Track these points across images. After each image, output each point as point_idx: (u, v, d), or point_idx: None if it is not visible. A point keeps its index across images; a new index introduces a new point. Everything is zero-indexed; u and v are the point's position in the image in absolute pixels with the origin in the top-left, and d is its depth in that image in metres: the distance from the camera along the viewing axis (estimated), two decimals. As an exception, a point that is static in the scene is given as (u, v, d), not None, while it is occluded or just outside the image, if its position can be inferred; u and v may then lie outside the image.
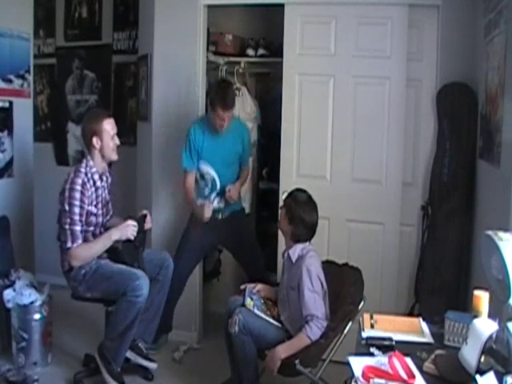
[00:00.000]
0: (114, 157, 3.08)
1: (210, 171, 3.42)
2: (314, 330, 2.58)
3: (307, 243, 2.80)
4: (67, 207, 2.90)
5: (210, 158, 3.40)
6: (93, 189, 3.01)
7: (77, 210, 2.91)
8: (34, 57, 4.14)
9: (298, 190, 2.85)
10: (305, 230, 2.76)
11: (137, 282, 2.87)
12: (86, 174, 2.98)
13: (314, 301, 2.63)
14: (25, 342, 3.22)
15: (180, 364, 3.45)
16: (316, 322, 2.60)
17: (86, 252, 2.95)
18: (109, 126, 3.03)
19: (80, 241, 2.93)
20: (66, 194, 2.91)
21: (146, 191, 3.86)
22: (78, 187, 2.91)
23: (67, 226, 2.91)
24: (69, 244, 2.91)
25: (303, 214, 2.73)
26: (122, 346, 2.97)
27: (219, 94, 3.25)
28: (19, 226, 3.85)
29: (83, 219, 2.95)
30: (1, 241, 3.59)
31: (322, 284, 2.70)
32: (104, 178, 3.12)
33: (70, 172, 3.00)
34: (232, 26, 4.22)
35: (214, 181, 3.43)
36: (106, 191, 3.15)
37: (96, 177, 3.03)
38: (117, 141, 3.06)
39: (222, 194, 3.42)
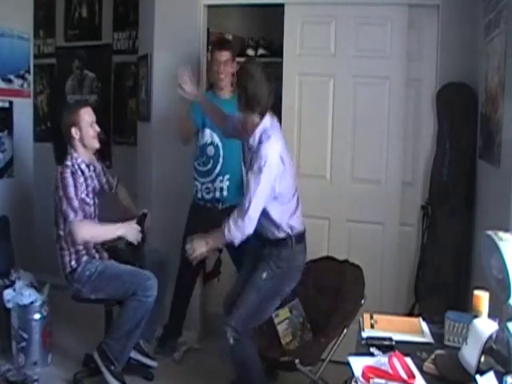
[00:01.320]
0: (96, 145, 3.11)
1: (214, 137, 3.38)
2: (232, 232, 2.55)
3: (266, 119, 2.64)
4: (61, 192, 2.92)
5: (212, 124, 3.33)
6: (81, 179, 3.01)
7: (72, 189, 2.92)
8: (34, 57, 4.15)
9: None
10: (267, 97, 2.59)
11: (148, 282, 2.89)
12: (72, 166, 3.01)
13: (255, 188, 2.51)
14: (25, 342, 3.22)
15: (180, 364, 3.45)
16: (241, 219, 2.53)
17: (90, 227, 2.95)
18: (86, 114, 3.07)
19: (81, 214, 2.92)
20: (59, 183, 2.93)
21: (146, 191, 3.86)
22: (69, 175, 2.95)
23: (65, 206, 2.90)
24: (71, 216, 2.89)
25: (251, 79, 2.56)
26: (128, 345, 2.97)
27: (216, 39, 3.35)
28: (19, 226, 3.85)
29: (78, 204, 2.93)
30: (1, 241, 3.60)
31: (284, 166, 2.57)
32: (92, 168, 3.13)
33: (57, 168, 3.03)
34: (232, 25, 4.22)
35: (217, 151, 3.38)
36: (96, 181, 3.14)
37: (83, 166, 3.06)
38: (96, 128, 3.08)
39: (225, 173, 3.39)
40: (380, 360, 1.88)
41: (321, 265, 3.02)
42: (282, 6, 3.45)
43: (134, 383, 3.16)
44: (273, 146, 2.58)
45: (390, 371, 1.79)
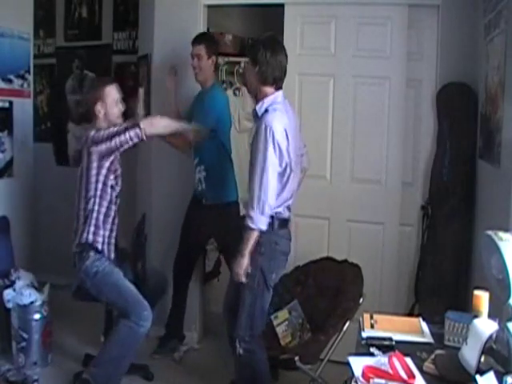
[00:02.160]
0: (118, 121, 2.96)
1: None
2: (255, 219, 2.47)
3: (278, 94, 2.63)
4: (106, 135, 2.77)
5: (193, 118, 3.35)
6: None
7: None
8: (34, 57, 4.14)
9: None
10: (270, 68, 2.56)
11: (144, 312, 2.76)
12: None
13: (261, 175, 2.45)
14: (25, 342, 3.22)
15: (180, 364, 3.45)
16: (257, 207, 2.45)
17: (156, 120, 2.84)
18: (113, 91, 2.93)
19: None
20: (99, 138, 2.78)
21: (146, 191, 3.86)
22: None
23: (122, 130, 2.78)
24: (136, 128, 2.77)
25: (267, 51, 2.54)
26: (113, 376, 2.80)
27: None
28: (19, 225, 3.85)
29: None
30: (1, 241, 3.59)
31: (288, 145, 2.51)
32: None
33: (88, 134, 2.83)
34: (232, 26, 4.22)
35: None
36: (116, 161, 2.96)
37: None
38: (122, 106, 2.96)
39: (201, 163, 3.37)
40: (380, 360, 1.88)
41: (320, 265, 3.03)
42: (281, 6, 3.45)
43: (134, 383, 3.17)
44: (277, 117, 2.54)
45: (390, 371, 1.79)
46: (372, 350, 1.99)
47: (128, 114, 4.47)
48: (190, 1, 3.61)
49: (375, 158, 3.37)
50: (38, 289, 3.35)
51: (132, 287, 2.85)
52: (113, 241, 2.96)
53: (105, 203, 2.88)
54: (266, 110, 2.57)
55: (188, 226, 3.51)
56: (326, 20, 3.40)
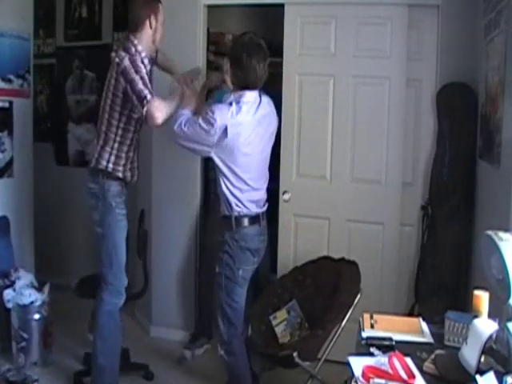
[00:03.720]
0: (159, 45, 2.93)
1: None
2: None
3: (250, 96, 2.64)
4: (133, 74, 2.65)
5: None
6: (144, 70, 2.75)
7: (144, 70, 2.71)
8: (34, 57, 4.14)
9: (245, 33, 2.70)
10: (245, 71, 2.59)
11: (120, 289, 2.87)
12: (138, 54, 2.75)
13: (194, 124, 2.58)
14: (25, 342, 3.23)
15: (180, 364, 3.45)
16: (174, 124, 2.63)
17: (163, 106, 2.67)
18: (162, 10, 2.87)
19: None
20: (127, 68, 2.67)
21: (146, 191, 3.86)
22: (139, 61, 2.71)
23: (141, 85, 2.64)
24: (148, 96, 2.62)
25: (244, 54, 2.57)
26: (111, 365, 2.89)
27: None
28: (19, 226, 3.85)
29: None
30: (1, 241, 3.59)
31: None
32: (148, 68, 2.87)
33: (119, 55, 2.73)
34: (232, 25, 4.22)
35: None
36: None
37: (146, 61, 2.82)
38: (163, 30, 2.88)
39: None
40: (380, 360, 1.88)
41: (318, 265, 3.04)
42: (282, 6, 3.45)
43: (134, 383, 3.17)
44: (227, 113, 2.56)
45: (390, 371, 1.79)
46: (372, 350, 1.99)
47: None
48: (190, 1, 3.61)
49: (375, 158, 3.37)
50: (38, 289, 3.35)
51: (124, 257, 2.90)
52: (135, 164, 2.93)
53: (128, 134, 2.84)
54: (230, 103, 2.61)
55: (206, 227, 3.56)
56: (326, 20, 3.40)
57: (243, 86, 2.63)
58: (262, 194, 2.78)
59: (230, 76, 2.72)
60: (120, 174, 2.85)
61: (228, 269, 2.69)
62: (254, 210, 2.72)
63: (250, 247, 2.71)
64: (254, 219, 2.72)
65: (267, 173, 2.83)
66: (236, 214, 2.67)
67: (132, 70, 2.68)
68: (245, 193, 2.68)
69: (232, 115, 2.57)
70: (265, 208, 2.79)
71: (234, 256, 2.69)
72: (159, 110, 2.64)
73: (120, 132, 2.81)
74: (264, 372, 2.86)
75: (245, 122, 2.61)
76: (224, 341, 2.71)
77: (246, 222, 2.69)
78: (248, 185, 2.68)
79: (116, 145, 2.82)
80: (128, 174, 2.89)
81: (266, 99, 2.75)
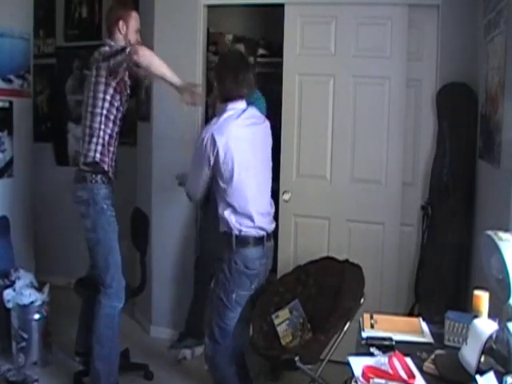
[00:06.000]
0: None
1: None
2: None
3: (232, 106, 2.62)
4: (113, 52, 2.73)
5: None
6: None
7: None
8: (34, 57, 4.14)
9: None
10: (227, 88, 2.60)
11: (120, 295, 2.88)
12: None
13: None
14: (25, 342, 3.23)
15: (180, 364, 3.45)
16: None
17: (152, 52, 2.74)
18: (136, 18, 2.95)
19: None
20: (106, 51, 2.77)
21: (146, 191, 3.86)
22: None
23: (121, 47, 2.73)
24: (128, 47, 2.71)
25: (226, 71, 2.59)
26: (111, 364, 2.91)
27: None
28: (19, 225, 3.85)
29: None
30: (1, 241, 3.59)
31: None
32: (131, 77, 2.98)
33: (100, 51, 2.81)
34: (232, 25, 4.22)
35: None
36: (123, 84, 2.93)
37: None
38: (139, 38, 2.95)
39: None
40: (380, 360, 1.88)
41: (321, 265, 3.02)
42: (282, 6, 3.45)
43: (134, 383, 3.16)
44: (210, 126, 2.58)
45: (390, 371, 1.79)
46: (372, 350, 1.99)
47: (129, 113, 4.49)
48: (190, 1, 3.61)
49: (375, 158, 3.37)
50: (38, 289, 3.35)
51: (119, 261, 2.91)
52: (114, 164, 2.95)
53: (110, 124, 2.87)
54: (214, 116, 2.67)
55: (205, 229, 3.55)
56: (326, 20, 3.40)
57: (226, 98, 2.63)
58: (265, 216, 2.66)
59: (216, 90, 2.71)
60: (105, 167, 2.86)
61: (222, 290, 2.59)
62: (258, 232, 2.59)
63: (248, 272, 2.58)
64: (258, 241, 2.59)
65: (270, 182, 2.77)
66: (236, 233, 2.56)
67: (112, 49, 2.76)
68: (242, 211, 2.58)
69: (216, 123, 2.57)
70: (272, 226, 2.69)
71: (229, 278, 2.58)
72: (142, 49, 2.70)
73: (103, 120, 2.84)
74: (260, 376, 2.85)
75: (230, 129, 2.56)
76: (208, 356, 2.69)
77: (246, 243, 2.56)
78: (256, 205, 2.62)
79: (101, 133, 2.84)
80: (111, 170, 2.90)
81: (253, 111, 2.71)
